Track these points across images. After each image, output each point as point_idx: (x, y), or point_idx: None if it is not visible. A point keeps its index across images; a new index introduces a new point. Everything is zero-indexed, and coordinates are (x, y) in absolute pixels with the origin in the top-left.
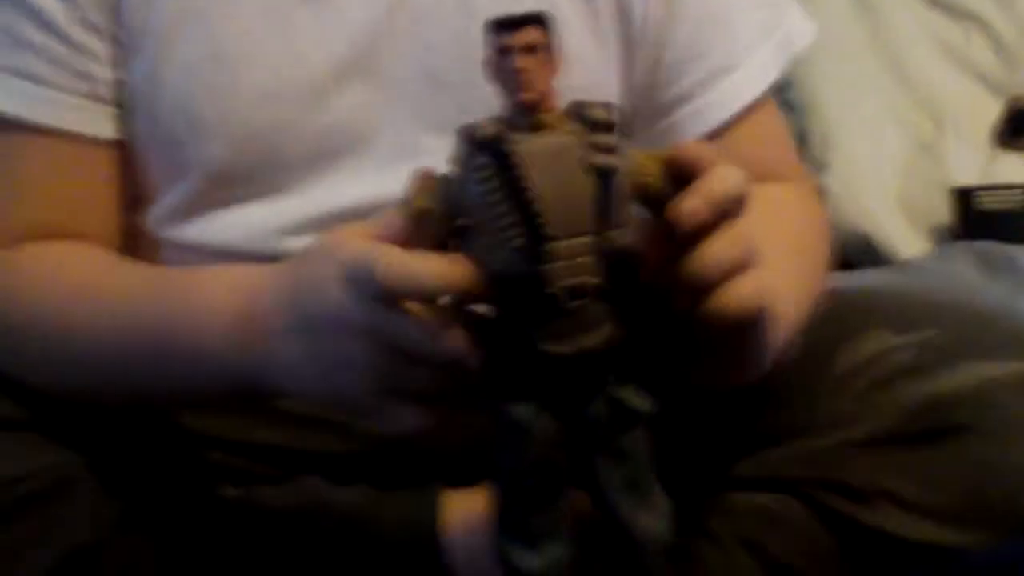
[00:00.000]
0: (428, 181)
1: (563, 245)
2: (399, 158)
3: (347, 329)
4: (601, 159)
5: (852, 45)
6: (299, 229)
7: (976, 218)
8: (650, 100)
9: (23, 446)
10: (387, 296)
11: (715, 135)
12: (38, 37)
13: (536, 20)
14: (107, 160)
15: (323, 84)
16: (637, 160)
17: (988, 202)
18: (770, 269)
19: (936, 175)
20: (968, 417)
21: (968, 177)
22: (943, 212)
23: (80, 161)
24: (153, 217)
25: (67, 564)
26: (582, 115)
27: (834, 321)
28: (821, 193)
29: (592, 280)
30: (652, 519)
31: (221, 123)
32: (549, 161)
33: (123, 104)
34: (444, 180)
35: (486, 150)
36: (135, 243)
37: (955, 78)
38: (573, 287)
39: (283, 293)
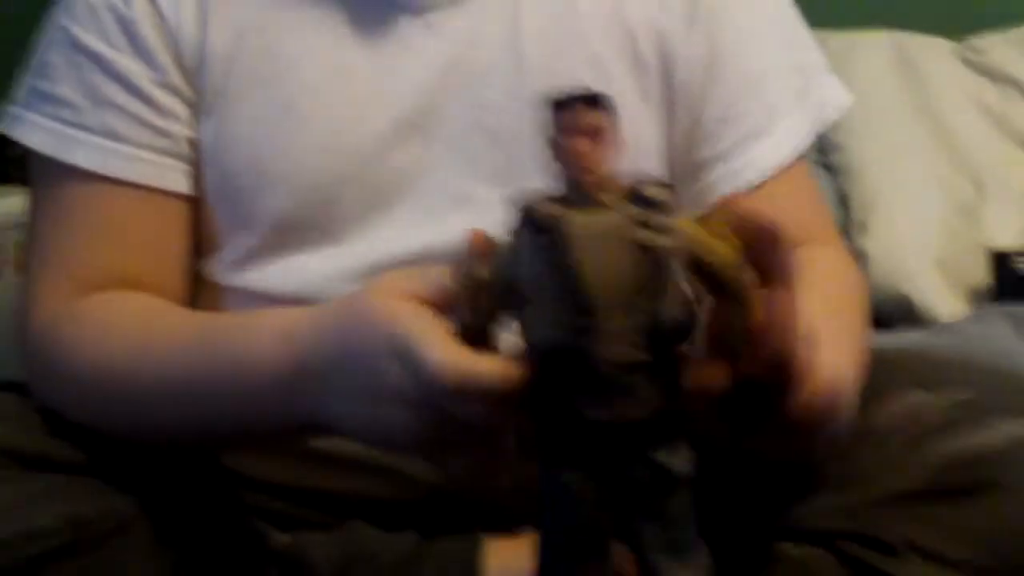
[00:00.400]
0: (485, 249)
1: (612, 323)
2: (451, 208)
3: (402, 402)
4: (652, 239)
5: (895, 109)
6: (355, 277)
7: (1013, 281)
8: (686, 159)
9: (83, 489)
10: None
11: (745, 196)
12: (121, 98)
13: (598, 101)
14: (180, 212)
15: (383, 139)
16: (697, 237)
17: None
18: (837, 353)
19: (975, 237)
20: (996, 474)
21: (1007, 240)
22: (981, 274)
23: (156, 212)
24: (216, 265)
25: None
26: (639, 194)
27: (869, 379)
28: (860, 255)
29: (639, 356)
30: None
31: (287, 176)
32: (602, 241)
33: (195, 160)
34: (500, 251)
35: (544, 229)
36: (199, 289)
37: (996, 141)
38: (620, 363)
39: (331, 363)
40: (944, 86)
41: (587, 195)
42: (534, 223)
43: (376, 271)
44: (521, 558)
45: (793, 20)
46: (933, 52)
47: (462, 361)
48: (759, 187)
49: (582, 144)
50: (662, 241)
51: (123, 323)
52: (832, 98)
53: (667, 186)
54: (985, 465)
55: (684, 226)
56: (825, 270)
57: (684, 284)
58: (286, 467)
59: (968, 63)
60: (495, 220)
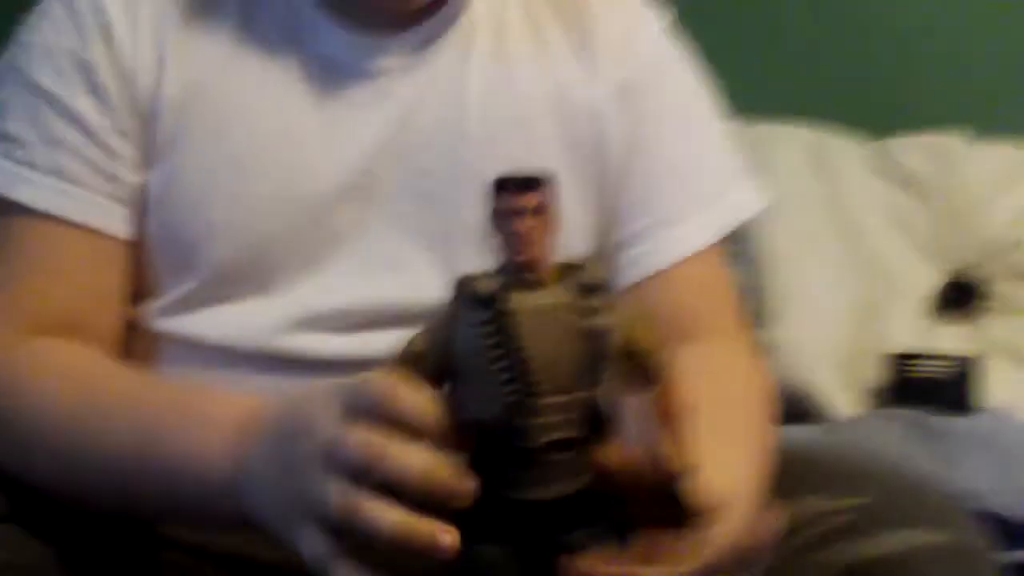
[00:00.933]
0: (425, 326)
1: (549, 402)
2: (384, 269)
3: (322, 455)
4: (592, 322)
5: (808, 205)
6: (289, 327)
7: (909, 384)
8: (603, 241)
9: (4, 536)
10: (372, 413)
11: (651, 280)
12: (73, 138)
13: (539, 183)
14: (121, 256)
15: (326, 199)
16: (629, 322)
17: (922, 369)
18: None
19: (876, 338)
20: None
21: (907, 342)
22: (879, 375)
23: (98, 255)
24: (152, 310)
25: None
26: (575, 275)
27: (778, 478)
28: (770, 346)
29: (572, 434)
30: None
31: (232, 227)
32: (542, 320)
33: (139, 205)
34: (435, 324)
35: (483, 306)
36: (131, 334)
37: (901, 247)
38: (554, 441)
39: (272, 419)
40: (855, 186)
41: (525, 274)
42: (473, 298)
43: (311, 323)
44: None
45: (716, 122)
46: (847, 152)
47: (394, 384)
48: (664, 273)
49: (521, 224)
50: (603, 323)
51: (69, 375)
52: (746, 202)
53: (601, 267)
54: (884, 572)
55: (619, 310)
56: (723, 376)
57: (616, 367)
58: (235, 539)
59: (878, 164)
60: (425, 283)
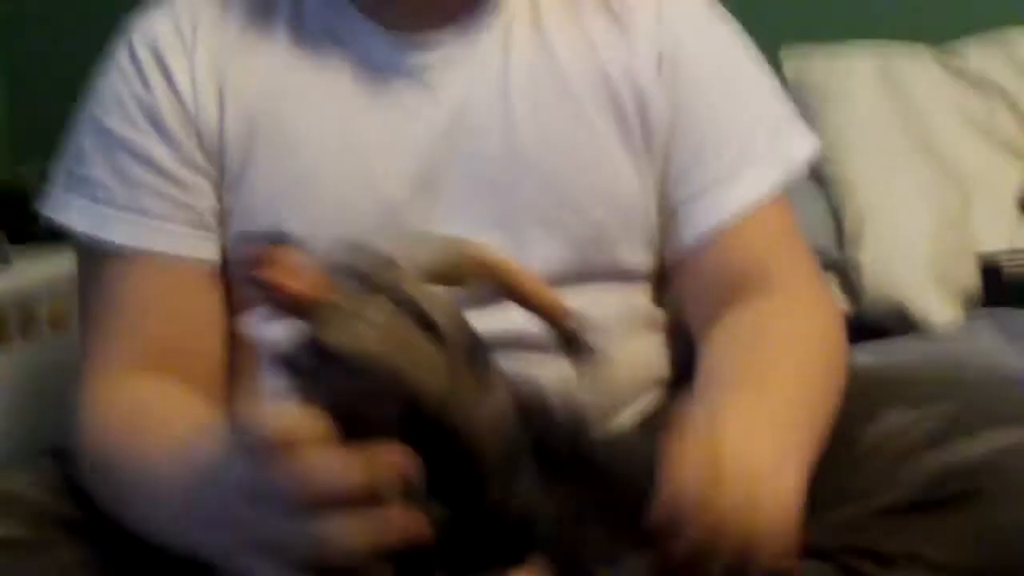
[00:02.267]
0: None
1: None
2: None
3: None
4: (399, 295)
5: (881, 121)
6: None
7: (1002, 285)
8: (661, 205)
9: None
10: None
11: (710, 240)
12: (149, 178)
13: (277, 238)
14: (211, 277)
15: (393, 200)
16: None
17: (1013, 269)
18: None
19: (965, 244)
20: (984, 483)
21: (995, 245)
22: (973, 280)
23: (191, 282)
24: (248, 321)
25: None
26: (349, 272)
27: (859, 399)
28: (854, 266)
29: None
30: None
31: (305, 238)
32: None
33: (223, 228)
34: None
35: (301, 365)
36: (237, 346)
37: (980, 149)
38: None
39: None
40: (928, 94)
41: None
42: (295, 365)
43: None
44: None
45: (760, 72)
46: (915, 61)
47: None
48: (723, 231)
49: (267, 273)
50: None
51: (142, 418)
52: (800, 148)
53: (361, 250)
54: (973, 475)
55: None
56: (770, 344)
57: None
58: None
59: (949, 70)
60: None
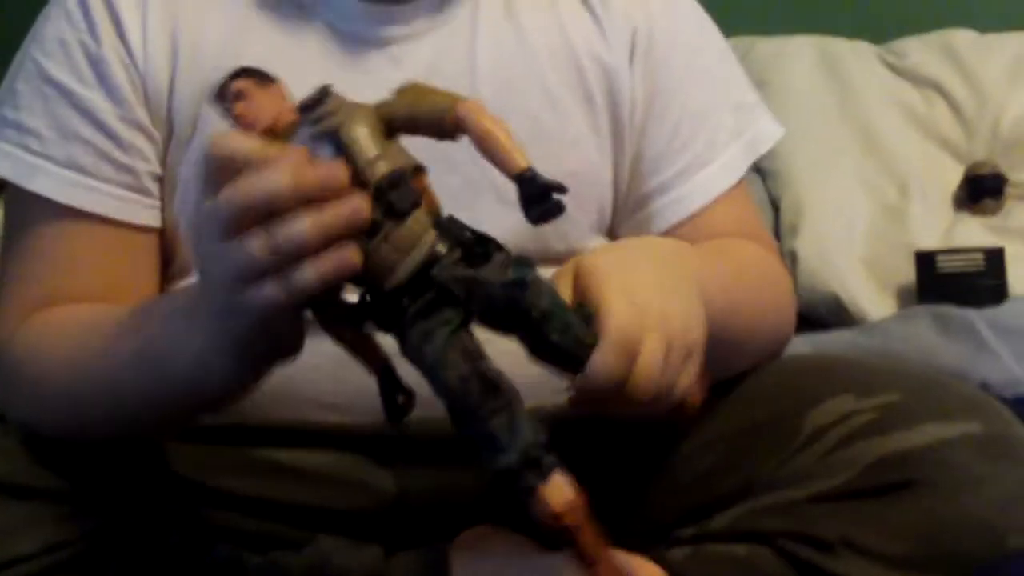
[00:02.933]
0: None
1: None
2: None
3: (215, 235)
4: (322, 127)
5: (821, 112)
6: None
7: (936, 280)
8: (633, 190)
9: (61, 515)
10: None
11: (689, 221)
12: (87, 132)
13: (243, 72)
14: (143, 243)
15: None
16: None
17: (948, 265)
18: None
19: (901, 238)
20: (922, 473)
21: (931, 240)
22: (908, 274)
23: (119, 245)
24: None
25: None
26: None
27: (803, 387)
28: (791, 257)
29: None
30: None
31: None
32: None
33: (161, 194)
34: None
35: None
36: None
37: (919, 145)
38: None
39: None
40: (868, 89)
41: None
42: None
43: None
44: (485, 558)
45: (729, 60)
46: (857, 56)
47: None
48: (696, 217)
49: (237, 108)
50: (333, 123)
51: (68, 323)
52: (766, 132)
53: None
54: (913, 464)
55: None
56: (730, 244)
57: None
58: (256, 482)
59: (890, 66)
60: None
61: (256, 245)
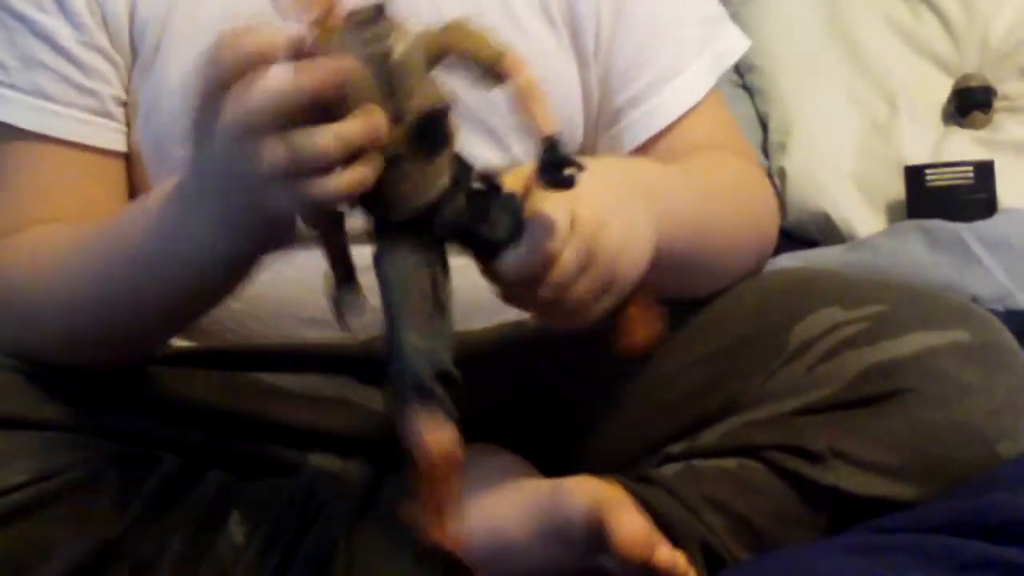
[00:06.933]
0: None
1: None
2: None
3: (228, 136)
4: (375, 48)
5: (809, 29)
6: None
7: (926, 195)
8: (604, 107)
9: (54, 444)
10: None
11: (662, 135)
12: (49, 58)
13: None
14: (110, 168)
15: None
16: (424, 36)
17: (937, 179)
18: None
19: (890, 154)
20: (910, 381)
21: (920, 155)
22: (897, 189)
23: (84, 170)
24: None
25: (95, 557)
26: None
27: (789, 300)
28: (780, 174)
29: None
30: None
31: None
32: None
33: (126, 119)
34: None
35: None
36: None
37: (907, 59)
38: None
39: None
40: (856, 3)
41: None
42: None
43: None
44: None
45: None
46: None
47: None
48: (670, 129)
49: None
50: (385, 46)
51: (51, 239)
52: (733, 45)
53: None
54: (901, 373)
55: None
56: (707, 157)
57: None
58: (244, 404)
59: None
60: None
61: (280, 149)
